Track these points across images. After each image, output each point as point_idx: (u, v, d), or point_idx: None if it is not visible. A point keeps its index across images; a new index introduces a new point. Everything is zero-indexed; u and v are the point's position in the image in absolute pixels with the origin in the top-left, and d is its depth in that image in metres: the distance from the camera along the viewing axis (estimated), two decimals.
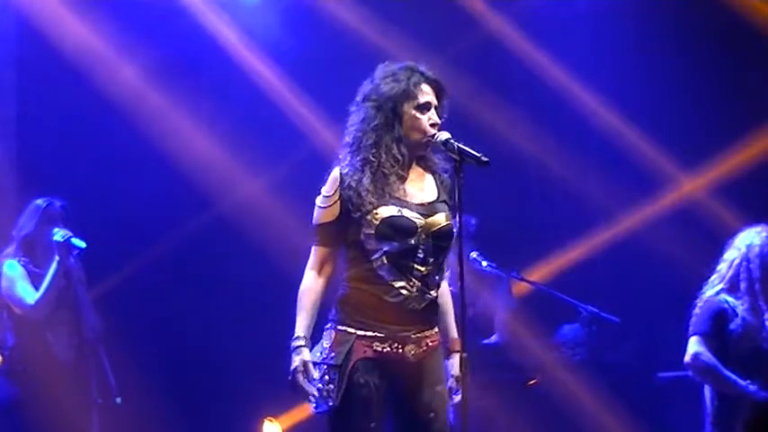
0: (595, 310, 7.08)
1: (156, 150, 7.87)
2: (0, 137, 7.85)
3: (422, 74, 4.46)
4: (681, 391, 7.06)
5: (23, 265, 6.29)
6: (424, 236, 4.36)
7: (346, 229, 4.40)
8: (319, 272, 4.42)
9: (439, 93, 4.48)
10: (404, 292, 4.35)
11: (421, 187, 4.46)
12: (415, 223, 4.36)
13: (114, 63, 7.98)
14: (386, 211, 4.35)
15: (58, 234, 6.23)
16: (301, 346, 4.37)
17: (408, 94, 4.41)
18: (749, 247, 5.71)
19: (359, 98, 4.46)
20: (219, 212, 8.04)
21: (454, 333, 4.54)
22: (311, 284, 4.41)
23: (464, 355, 4.32)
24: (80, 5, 7.96)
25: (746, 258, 5.70)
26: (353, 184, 4.35)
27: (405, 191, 4.41)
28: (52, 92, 7.93)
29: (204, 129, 8.05)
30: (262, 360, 7.85)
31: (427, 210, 4.40)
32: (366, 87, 4.46)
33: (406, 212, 4.36)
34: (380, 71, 4.48)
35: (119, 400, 6.27)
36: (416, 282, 4.36)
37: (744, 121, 8.12)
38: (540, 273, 8.01)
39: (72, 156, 7.87)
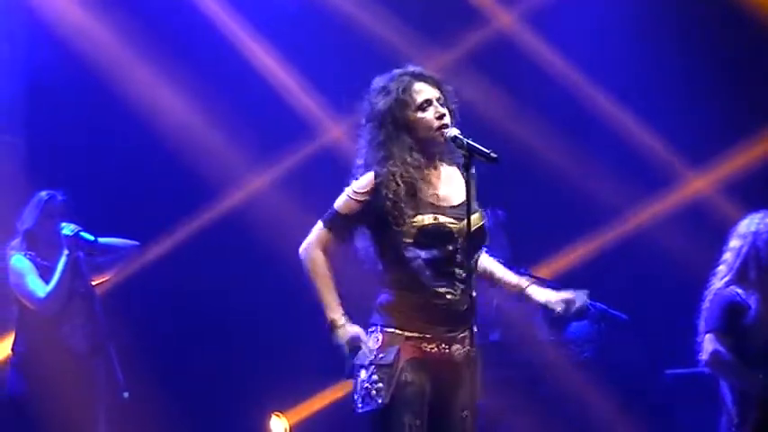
0: (604, 307, 7.05)
1: (164, 144, 7.88)
2: (10, 132, 7.86)
3: (411, 74, 4.43)
4: (689, 388, 7.04)
5: (30, 259, 6.30)
6: (461, 240, 4.34)
7: (356, 229, 4.40)
8: (325, 252, 4.40)
9: (436, 84, 4.44)
10: (449, 296, 4.34)
11: (453, 188, 4.43)
12: (451, 229, 4.34)
13: (123, 57, 7.98)
14: (422, 220, 4.33)
15: (67, 228, 6.24)
16: (347, 323, 4.36)
17: (402, 103, 4.38)
18: (756, 233, 5.60)
19: (362, 121, 4.45)
20: (228, 207, 8.04)
21: (514, 277, 4.59)
22: (324, 261, 4.39)
23: (472, 351, 4.31)
24: (89, 2, 7.98)
25: (754, 246, 5.58)
26: (391, 195, 4.32)
27: (437, 195, 4.39)
28: (62, 86, 7.94)
29: (213, 122, 8.05)
30: (269, 355, 7.88)
31: (462, 211, 4.34)
32: (365, 109, 4.44)
33: (442, 219, 4.35)
34: (372, 89, 4.45)
35: (126, 394, 6.27)
36: (459, 284, 4.34)
37: (752, 118, 8.10)
38: (548, 269, 7.99)
39: (81, 150, 7.89)
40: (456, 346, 4.38)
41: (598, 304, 7.07)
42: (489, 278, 4.63)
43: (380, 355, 4.33)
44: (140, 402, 6.49)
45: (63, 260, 6.22)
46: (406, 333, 4.34)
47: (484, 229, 4.43)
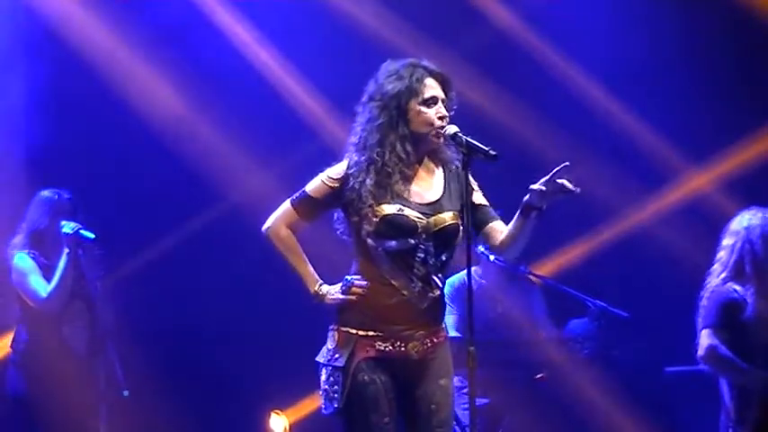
0: (604, 304, 7.07)
1: (165, 144, 7.88)
2: (8, 132, 7.86)
3: (425, 68, 4.45)
4: (689, 385, 7.05)
5: (33, 258, 6.30)
6: (424, 236, 4.36)
7: (323, 211, 4.48)
8: (290, 230, 4.50)
9: (444, 85, 4.46)
10: (405, 292, 4.36)
11: (428, 185, 4.45)
12: (414, 222, 4.35)
13: (123, 58, 7.98)
14: (386, 210, 4.34)
15: (67, 226, 6.25)
16: (328, 290, 4.44)
17: (412, 91, 4.40)
18: (748, 228, 5.65)
19: (364, 99, 4.47)
20: (228, 206, 8.03)
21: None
22: (290, 236, 4.50)
23: (471, 348, 4.27)
24: (92, 4, 7.98)
25: (748, 240, 5.63)
26: (357, 186, 4.36)
27: (409, 190, 4.40)
28: (61, 86, 7.93)
29: (213, 122, 8.05)
30: (269, 353, 7.88)
31: (431, 209, 4.39)
32: (370, 88, 4.46)
33: (407, 211, 4.35)
34: (383, 70, 4.47)
35: (126, 393, 6.28)
36: (418, 281, 4.36)
37: (752, 116, 8.10)
38: (548, 267, 7.99)
39: (80, 150, 7.88)
40: (413, 344, 4.39)
41: (598, 302, 7.09)
42: (510, 241, 4.45)
43: (335, 356, 4.38)
44: (140, 401, 6.50)
45: (64, 258, 6.22)
46: (360, 332, 4.37)
47: (455, 230, 4.40)
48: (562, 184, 4.25)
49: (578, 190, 4.26)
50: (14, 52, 7.95)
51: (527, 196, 4.32)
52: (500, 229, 4.48)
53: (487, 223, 4.49)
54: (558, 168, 4.25)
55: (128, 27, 8.01)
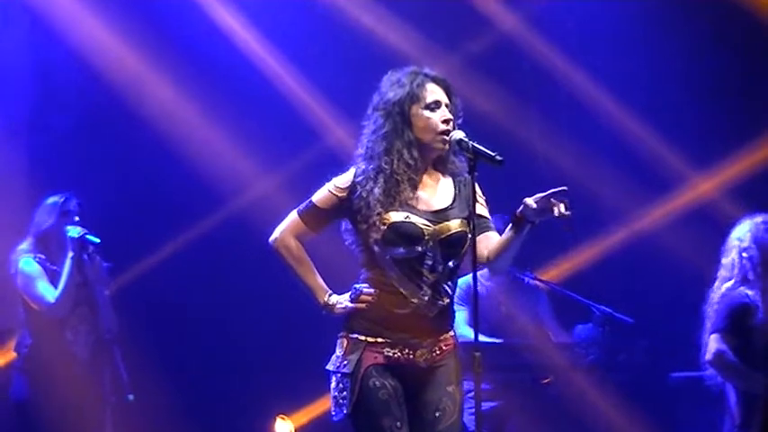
0: (609, 310, 7.07)
1: (168, 149, 7.88)
2: (12, 139, 7.86)
3: (426, 75, 4.45)
4: (694, 391, 7.04)
5: (40, 262, 6.28)
6: (431, 243, 4.34)
7: (330, 221, 4.46)
8: (297, 240, 4.48)
9: (447, 91, 4.46)
10: (414, 300, 4.35)
11: (435, 193, 4.44)
12: (421, 230, 4.34)
13: (127, 62, 7.99)
14: (393, 217, 4.33)
15: (73, 230, 6.24)
16: (337, 300, 4.44)
17: (413, 96, 4.39)
18: (748, 234, 5.76)
19: (369, 111, 4.47)
20: (232, 211, 8.04)
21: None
22: (299, 247, 4.48)
23: (477, 354, 4.25)
24: (96, 5, 7.99)
25: (747, 246, 5.72)
26: (364, 194, 4.35)
27: (416, 197, 4.39)
28: (64, 93, 7.95)
29: (216, 124, 8.05)
30: (275, 358, 7.88)
31: (438, 217, 4.38)
32: (374, 99, 4.47)
33: (414, 219, 4.34)
34: (385, 80, 4.48)
35: (131, 397, 6.28)
36: (427, 289, 4.35)
37: (759, 121, 8.10)
38: (553, 273, 7.99)
39: (83, 156, 7.89)
40: (421, 352, 4.38)
41: (603, 307, 7.09)
42: (498, 252, 4.40)
43: (343, 363, 4.38)
44: (145, 405, 6.50)
45: (68, 263, 6.21)
46: (369, 339, 4.37)
47: (462, 238, 4.37)
48: (553, 207, 4.21)
49: (569, 214, 4.21)
50: (16, 58, 7.97)
51: (520, 208, 4.30)
52: (492, 239, 4.45)
53: (480, 233, 4.43)
54: (555, 190, 4.23)
55: (133, 31, 8.01)
